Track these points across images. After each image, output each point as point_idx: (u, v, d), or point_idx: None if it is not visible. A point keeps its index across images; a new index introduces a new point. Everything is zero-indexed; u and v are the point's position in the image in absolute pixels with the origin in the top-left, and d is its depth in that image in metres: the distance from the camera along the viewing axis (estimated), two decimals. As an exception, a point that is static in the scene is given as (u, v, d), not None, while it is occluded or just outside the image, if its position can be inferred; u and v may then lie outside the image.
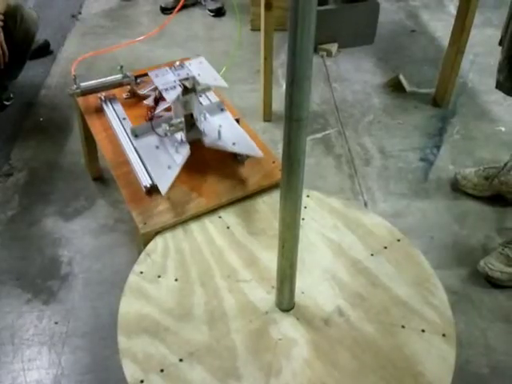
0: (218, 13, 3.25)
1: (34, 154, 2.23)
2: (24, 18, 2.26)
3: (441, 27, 3.09)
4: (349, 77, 2.73)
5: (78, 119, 1.93)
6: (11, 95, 2.50)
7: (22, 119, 2.41)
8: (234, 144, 1.51)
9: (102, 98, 1.75)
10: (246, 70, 2.72)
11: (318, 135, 2.36)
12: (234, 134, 1.54)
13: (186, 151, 1.46)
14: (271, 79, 2.32)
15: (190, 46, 2.95)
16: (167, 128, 1.48)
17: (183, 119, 1.49)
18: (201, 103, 1.64)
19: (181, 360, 1.10)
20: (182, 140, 1.50)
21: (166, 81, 1.48)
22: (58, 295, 1.70)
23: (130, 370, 1.08)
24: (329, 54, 2.87)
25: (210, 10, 3.25)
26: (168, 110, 1.58)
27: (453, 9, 3.19)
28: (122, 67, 1.74)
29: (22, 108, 2.48)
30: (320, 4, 2.69)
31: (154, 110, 1.60)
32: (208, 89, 1.58)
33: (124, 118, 1.67)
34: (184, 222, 1.38)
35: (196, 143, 1.51)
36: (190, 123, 1.50)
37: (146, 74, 1.80)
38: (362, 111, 2.50)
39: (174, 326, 1.16)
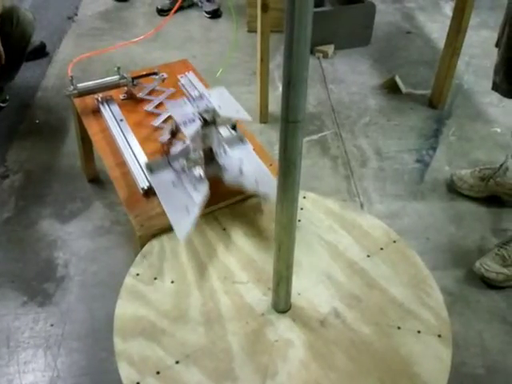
0: (215, 14, 3.25)
1: (29, 156, 2.23)
2: (20, 20, 2.26)
3: (437, 29, 3.10)
4: (345, 78, 2.74)
5: (74, 120, 1.93)
6: (7, 97, 2.50)
7: (17, 121, 2.41)
8: (256, 182, 1.39)
9: (99, 99, 1.74)
10: (242, 72, 2.72)
11: (314, 137, 2.36)
12: (256, 170, 1.43)
13: (204, 189, 1.35)
14: (267, 81, 2.32)
15: (186, 47, 2.95)
16: (185, 163, 1.40)
17: (202, 153, 1.39)
18: (220, 133, 1.51)
19: (177, 362, 1.10)
20: (200, 176, 1.39)
21: (185, 113, 1.35)
22: (54, 297, 1.70)
23: (126, 373, 1.08)
24: (325, 55, 2.87)
25: (207, 12, 3.25)
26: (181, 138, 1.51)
27: (449, 10, 3.20)
28: (119, 68, 1.74)
29: (17, 110, 2.47)
30: (316, 6, 2.69)
31: (171, 144, 1.50)
32: (229, 122, 1.51)
33: (121, 120, 1.67)
34: (180, 224, 1.38)
35: (215, 178, 1.42)
36: (209, 157, 1.41)
37: (143, 76, 1.80)
38: (359, 113, 2.51)
39: (171, 328, 1.16)
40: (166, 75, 1.80)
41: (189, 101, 1.41)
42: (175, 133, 1.54)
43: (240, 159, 1.45)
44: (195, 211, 1.30)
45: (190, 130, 1.30)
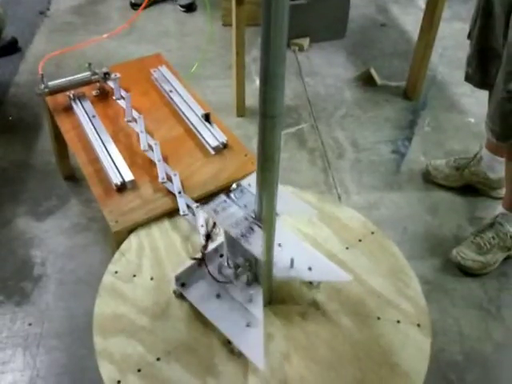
0: (190, 8, 3.22)
1: (3, 154, 2.19)
2: (-10, 15, 2.21)
3: (410, 21, 3.12)
4: (321, 71, 2.75)
5: (47, 118, 1.90)
6: (-22, 94, 2.45)
7: (-10, 118, 2.37)
8: (310, 270, 1.18)
9: (71, 96, 1.72)
10: (218, 66, 2.71)
11: (292, 130, 2.36)
12: (305, 254, 1.21)
13: (261, 298, 1.12)
14: (244, 74, 2.31)
15: (161, 41, 2.92)
16: (233, 272, 1.14)
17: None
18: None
19: (158, 359, 1.09)
20: (248, 280, 1.14)
21: (230, 216, 1.08)
22: (32, 296, 1.68)
23: (106, 371, 1.07)
24: (301, 48, 2.88)
25: (181, 6, 3.22)
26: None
27: (422, 3, 3.22)
28: (90, 64, 1.71)
29: (-11, 107, 2.43)
30: (291, -2, 2.69)
31: (205, 249, 1.20)
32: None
33: (93, 116, 1.65)
34: (158, 220, 1.37)
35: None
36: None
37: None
38: (335, 105, 2.52)
39: (151, 324, 1.15)
40: (118, 75, 1.72)
41: (228, 198, 1.11)
42: (210, 235, 1.24)
43: (279, 244, 1.20)
44: (260, 325, 1.09)
45: (237, 231, 1.06)
